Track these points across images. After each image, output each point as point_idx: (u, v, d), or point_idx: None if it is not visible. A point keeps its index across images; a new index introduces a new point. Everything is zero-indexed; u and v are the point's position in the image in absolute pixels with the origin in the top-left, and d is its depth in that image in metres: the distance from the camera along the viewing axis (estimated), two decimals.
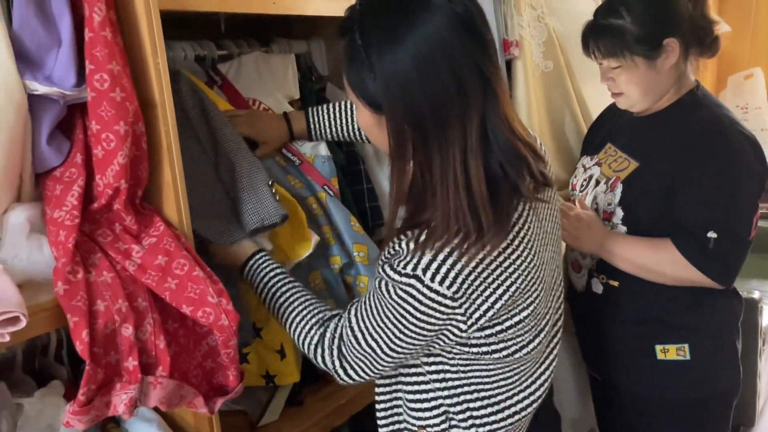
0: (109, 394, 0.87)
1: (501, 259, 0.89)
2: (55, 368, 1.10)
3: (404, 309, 0.90)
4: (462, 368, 0.98)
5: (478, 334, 0.92)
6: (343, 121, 1.32)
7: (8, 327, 0.78)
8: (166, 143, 0.95)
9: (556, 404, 1.25)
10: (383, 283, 0.93)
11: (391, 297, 0.92)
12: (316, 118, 1.32)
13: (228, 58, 1.39)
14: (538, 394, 1.05)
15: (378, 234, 1.55)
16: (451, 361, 0.98)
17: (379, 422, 1.09)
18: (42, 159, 0.93)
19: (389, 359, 0.97)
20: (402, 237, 0.91)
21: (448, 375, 0.99)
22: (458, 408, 1.00)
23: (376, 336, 0.95)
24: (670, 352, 1.36)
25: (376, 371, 0.99)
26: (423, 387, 1.02)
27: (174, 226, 0.97)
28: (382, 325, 0.94)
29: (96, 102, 0.89)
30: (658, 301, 1.35)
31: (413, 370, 1.02)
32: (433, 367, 1.00)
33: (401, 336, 0.93)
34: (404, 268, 0.88)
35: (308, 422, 1.28)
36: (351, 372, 1.01)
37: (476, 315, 0.90)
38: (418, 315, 0.90)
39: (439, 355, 0.98)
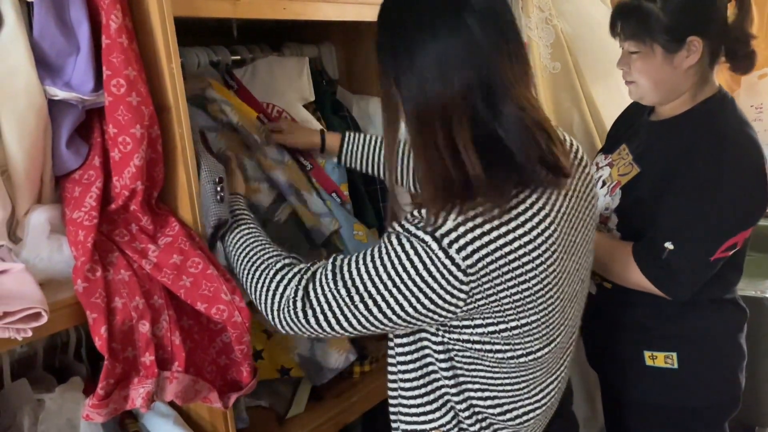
0: (127, 388, 0.90)
1: (521, 253, 0.86)
2: (74, 366, 1.14)
3: (409, 261, 0.86)
4: (467, 366, 0.95)
5: (475, 323, 0.90)
6: (376, 153, 1.35)
7: (31, 323, 0.81)
8: (180, 146, 0.98)
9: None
10: (391, 234, 0.89)
11: (397, 244, 0.87)
12: (350, 143, 1.35)
13: (241, 63, 1.42)
14: (544, 401, 1.01)
15: None
16: (456, 357, 0.95)
17: (393, 424, 1.07)
18: (61, 162, 0.96)
19: (356, 320, 0.90)
20: (420, 210, 0.89)
21: (458, 372, 0.96)
22: (463, 405, 0.98)
23: (359, 282, 0.89)
24: (658, 359, 1.35)
25: (330, 328, 0.91)
26: (432, 386, 0.99)
27: (188, 226, 1.00)
28: (372, 271, 0.88)
29: (113, 106, 0.92)
30: (646, 306, 1.33)
31: (422, 362, 0.99)
32: (444, 364, 0.97)
33: (390, 290, 0.87)
34: (424, 227, 0.86)
35: (322, 418, 1.30)
36: (302, 321, 0.92)
37: (479, 299, 0.87)
38: (422, 274, 0.85)
39: (445, 350, 0.95)
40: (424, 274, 0.85)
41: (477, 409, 0.98)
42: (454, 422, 0.99)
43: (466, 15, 0.83)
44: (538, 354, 0.94)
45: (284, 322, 0.95)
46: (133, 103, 0.92)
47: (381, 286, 0.88)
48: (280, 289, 0.95)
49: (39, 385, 1.05)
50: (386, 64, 0.90)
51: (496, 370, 0.95)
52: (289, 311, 0.93)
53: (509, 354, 0.93)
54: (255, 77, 1.39)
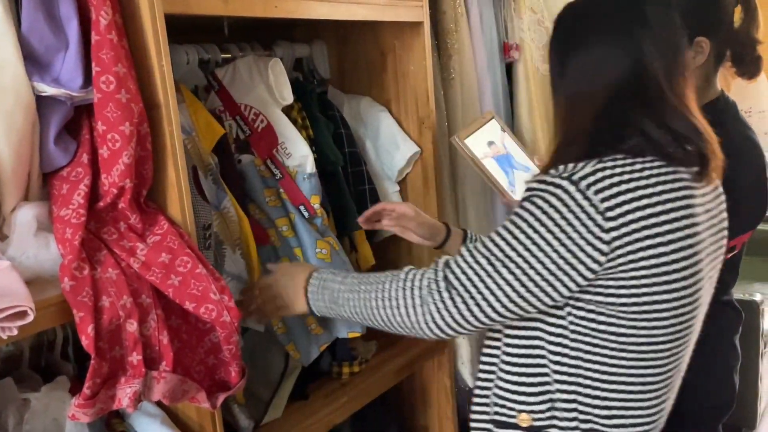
0: (114, 388, 0.90)
1: (660, 210, 0.85)
2: (61, 365, 1.13)
3: (545, 214, 0.85)
4: (583, 355, 0.92)
5: (608, 290, 0.87)
6: None
7: (17, 321, 0.80)
8: (170, 144, 0.97)
9: None
10: (524, 198, 0.89)
11: (530, 204, 0.87)
12: (472, 241, 1.30)
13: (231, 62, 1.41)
14: (654, 418, 0.97)
15: (380, 235, 1.57)
16: (572, 344, 0.92)
17: (474, 407, 1.04)
18: (49, 159, 0.95)
19: (502, 291, 0.87)
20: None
21: (565, 359, 0.93)
22: (567, 402, 0.94)
23: (497, 250, 0.88)
24: None
25: (479, 309, 0.88)
26: (534, 370, 0.96)
27: (178, 224, 0.99)
28: (508, 235, 0.87)
29: (102, 103, 0.91)
30: None
31: (531, 351, 0.96)
32: (553, 347, 0.94)
33: (529, 249, 0.85)
34: (560, 174, 0.87)
35: (310, 419, 1.29)
36: (452, 310, 0.90)
37: (621, 254, 0.84)
38: (560, 223, 0.84)
39: (560, 335, 0.93)
40: (562, 222, 0.84)
41: (581, 408, 0.95)
42: (548, 414, 0.96)
43: (635, 27, 0.92)
44: (660, 347, 0.91)
45: (429, 317, 0.92)
46: (122, 100, 0.91)
47: (520, 247, 0.86)
48: (417, 283, 0.93)
49: (25, 384, 1.04)
50: (554, 59, 0.98)
51: (614, 362, 0.91)
52: (434, 302, 0.91)
53: (632, 339, 0.90)
54: (235, 77, 1.36)
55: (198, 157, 1.16)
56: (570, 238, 0.84)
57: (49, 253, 0.92)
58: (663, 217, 0.86)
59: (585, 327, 0.91)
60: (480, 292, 0.89)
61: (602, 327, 0.90)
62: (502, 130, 1.55)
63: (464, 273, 0.90)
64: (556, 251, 0.85)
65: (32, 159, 0.93)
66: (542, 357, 0.95)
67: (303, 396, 1.36)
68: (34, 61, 0.89)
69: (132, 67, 0.94)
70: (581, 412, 0.95)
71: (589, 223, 0.84)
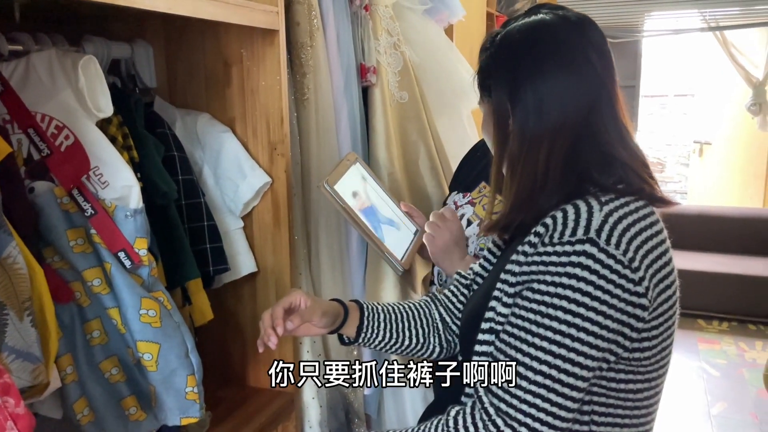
0: None
1: (667, 265, 0.82)
2: None
3: (577, 291, 0.75)
4: (596, 419, 0.83)
5: (635, 344, 0.80)
6: (401, 318, 1.09)
7: None
8: None
9: None
10: (536, 280, 0.78)
11: (553, 285, 0.77)
12: (370, 314, 1.07)
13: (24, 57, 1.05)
14: None
15: (219, 281, 1.29)
16: (585, 408, 0.83)
17: None
18: None
19: (562, 395, 0.76)
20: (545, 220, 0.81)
21: (576, 426, 0.83)
22: None
23: (542, 356, 0.76)
24: None
25: (556, 425, 0.77)
26: None
27: None
28: (548, 333, 0.76)
29: None
30: None
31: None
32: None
33: (581, 338, 0.75)
34: (572, 234, 0.77)
35: None
36: None
37: (654, 294, 0.79)
38: (596, 293, 0.75)
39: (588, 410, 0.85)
40: (599, 294, 0.76)
41: None
42: None
43: (590, 51, 0.85)
44: (658, 395, 0.88)
45: None
46: None
47: (567, 340, 0.76)
48: (460, 422, 0.81)
49: None
50: (503, 90, 0.87)
51: (627, 421, 0.85)
52: None
53: (645, 393, 0.85)
54: (29, 77, 1.01)
55: None
56: (613, 307, 0.76)
57: None
58: (664, 258, 0.82)
59: (603, 387, 0.83)
60: (543, 410, 0.77)
61: (621, 386, 0.83)
62: (365, 176, 1.38)
63: (516, 397, 0.77)
64: (605, 327, 0.77)
65: None
66: None
67: None
68: None
69: None
70: None
71: (623, 281, 0.76)
